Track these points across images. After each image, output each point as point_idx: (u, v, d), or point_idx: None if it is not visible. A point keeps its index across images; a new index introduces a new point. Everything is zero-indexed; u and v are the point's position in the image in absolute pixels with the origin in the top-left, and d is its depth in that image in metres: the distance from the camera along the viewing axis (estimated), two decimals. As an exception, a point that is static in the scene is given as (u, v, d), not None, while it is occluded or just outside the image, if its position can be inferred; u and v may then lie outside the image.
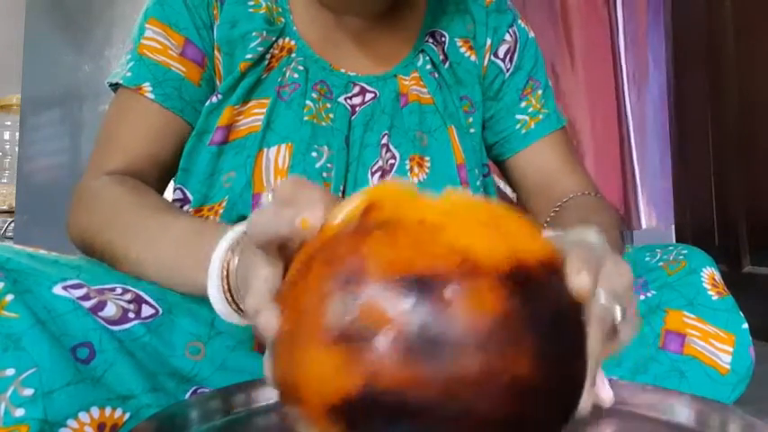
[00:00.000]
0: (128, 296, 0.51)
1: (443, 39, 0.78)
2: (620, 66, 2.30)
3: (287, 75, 0.70)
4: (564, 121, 0.82)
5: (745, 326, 0.59)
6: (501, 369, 0.28)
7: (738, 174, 1.82)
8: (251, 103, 0.68)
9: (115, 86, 0.70)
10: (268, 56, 0.69)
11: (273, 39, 0.70)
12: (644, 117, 2.30)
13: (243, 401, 0.46)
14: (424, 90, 0.74)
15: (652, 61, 2.30)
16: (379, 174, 0.69)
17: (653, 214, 2.28)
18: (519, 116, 0.80)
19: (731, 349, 0.58)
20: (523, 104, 0.80)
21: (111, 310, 0.49)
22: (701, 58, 2.02)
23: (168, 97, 0.67)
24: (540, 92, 0.81)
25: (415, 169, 0.71)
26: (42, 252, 0.51)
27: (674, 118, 2.23)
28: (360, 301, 0.29)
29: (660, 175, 2.28)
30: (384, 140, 0.70)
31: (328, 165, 0.67)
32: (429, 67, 0.76)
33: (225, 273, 0.45)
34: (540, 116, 0.80)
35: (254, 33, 0.68)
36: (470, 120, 0.76)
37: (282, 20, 0.71)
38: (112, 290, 0.51)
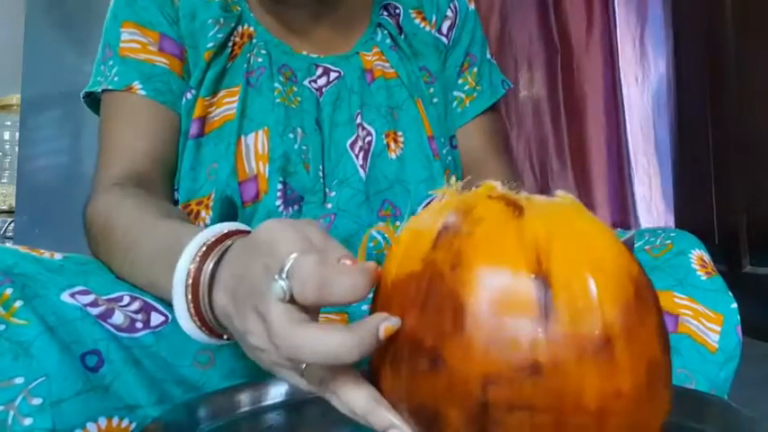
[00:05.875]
0: (135, 305, 0.50)
1: (397, 11, 0.79)
2: (617, 65, 2.30)
3: (251, 61, 0.70)
4: (500, 91, 0.83)
5: (734, 305, 0.59)
6: None
7: (738, 174, 1.82)
8: (221, 93, 0.68)
9: (91, 97, 0.70)
10: (230, 44, 0.70)
11: (232, 25, 0.70)
12: (644, 117, 2.30)
13: (249, 400, 0.46)
14: (387, 65, 0.75)
15: (652, 61, 2.30)
16: (362, 154, 0.70)
17: (652, 214, 2.28)
18: (456, 93, 0.81)
19: (719, 328, 0.58)
20: (460, 81, 0.82)
21: (118, 319, 0.49)
22: (702, 57, 2.02)
23: (159, 92, 0.67)
24: (475, 68, 0.82)
25: (392, 145, 0.72)
26: (46, 255, 0.50)
27: (675, 118, 2.23)
28: None
29: (660, 174, 2.28)
30: (358, 120, 0.71)
31: (303, 147, 0.68)
32: (388, 40, 0.77)
33: (190, 281, 0.40)
34: (475, 94, 0.81)
35: (210, 21, 0.69)
36: (431, 90, 0.77)
37: (239, 8, 0.72)
38: (119, 299, 0.50)
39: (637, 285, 0.30)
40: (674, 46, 2.21)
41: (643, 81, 2.30)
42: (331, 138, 0.70)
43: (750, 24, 1.78)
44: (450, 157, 0.76)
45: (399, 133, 0.72)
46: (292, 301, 0.33)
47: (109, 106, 0.68)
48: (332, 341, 0.31)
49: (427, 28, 0.80)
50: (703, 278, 0.60)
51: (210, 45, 0.68)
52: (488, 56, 0.85)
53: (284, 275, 0.33)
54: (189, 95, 0.68)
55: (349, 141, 0.70)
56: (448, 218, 0.32)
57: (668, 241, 0.63)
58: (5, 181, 2.35)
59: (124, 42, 0.68)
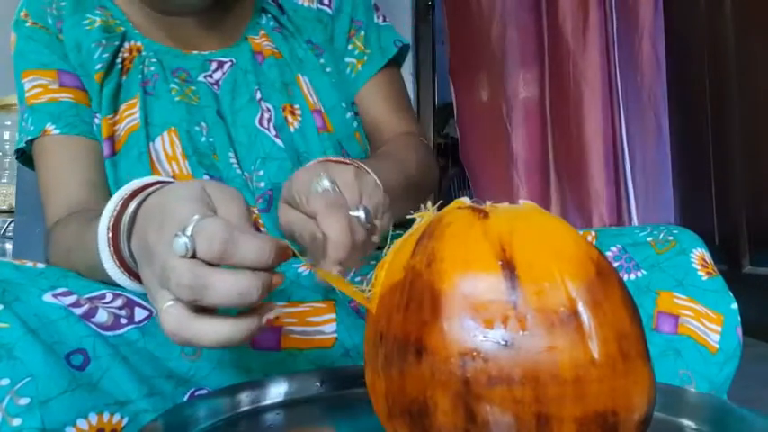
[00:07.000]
0: (118, 302, 0.51)
1: None
2: (614, 66, 2.29)
3: (144, 72, 0.72)
4: (392, 50, 0.84)
5: (735, 306, 0.59)
6: None
7: (738, 174, 1.82)
8: (121, 108, 0.71)
9: (23, 152, 0.73)
10: (118, 61, 0.72)
11: (116, 44, 0.72)
12: (644, 117, 2.30)
13: (249, 400, 0.46)
14: (273, 45, 0.78)
15: (653, 61, 2.30)
16: (271, 125, 0.72)
17: (651, 215, 2.28)
18: (348, 59, 0.83)
19: (719, 329, 0.58)
20: (350, 47, 0.84)
21: (102, 317, 0.49)
22: (702, 57, 2.02)
23: (72, 126, 0.69)
24: (362, 33, 0.84)
25: (289, 118, 0.74)
26: (29, 264, 0.51)
27: (675, 118, 2.24)
28: None
29: (660, 174, 2.28)
30: (258, 96, 0.74)
31: (210, 139, 0.70)
32: (272, 23, 0.80)
33: (110, 234, 0.45)
34: (365, 58, 0.83)
35: (94, 44, 0.70)
36: (322, 60, 0.79)
37: (122, 28, 0.74)
38: (102, 297, 0.51)
39: (597, 265, 0.32)
40: (674, 46, 2.22)
41: (642, 81, 2.30)
42: (235, 123, 0.72)
43: (750, 24, 1.78)
44: (355, 123, 0.79)
45: (296, 106, 0.75)
46: (194, 258, 0.35)
47: (37, 156, 0.71)
48: (241, 282, 0.34)
49: (306, 3, 0.82)
50: (704, 278, 0.60)
51: (99, 66, 0.70)
52: (376, 19, 0.87)
53: (188, 233, 0.35)
54: (97, 120, 0.70)
55: (257, 119, 0.72)
56: (423, 231, 0.35)
57: (671, 237, 0.63)
58: (5, 181, 2.35)
59: (28, 91, 0.71)
